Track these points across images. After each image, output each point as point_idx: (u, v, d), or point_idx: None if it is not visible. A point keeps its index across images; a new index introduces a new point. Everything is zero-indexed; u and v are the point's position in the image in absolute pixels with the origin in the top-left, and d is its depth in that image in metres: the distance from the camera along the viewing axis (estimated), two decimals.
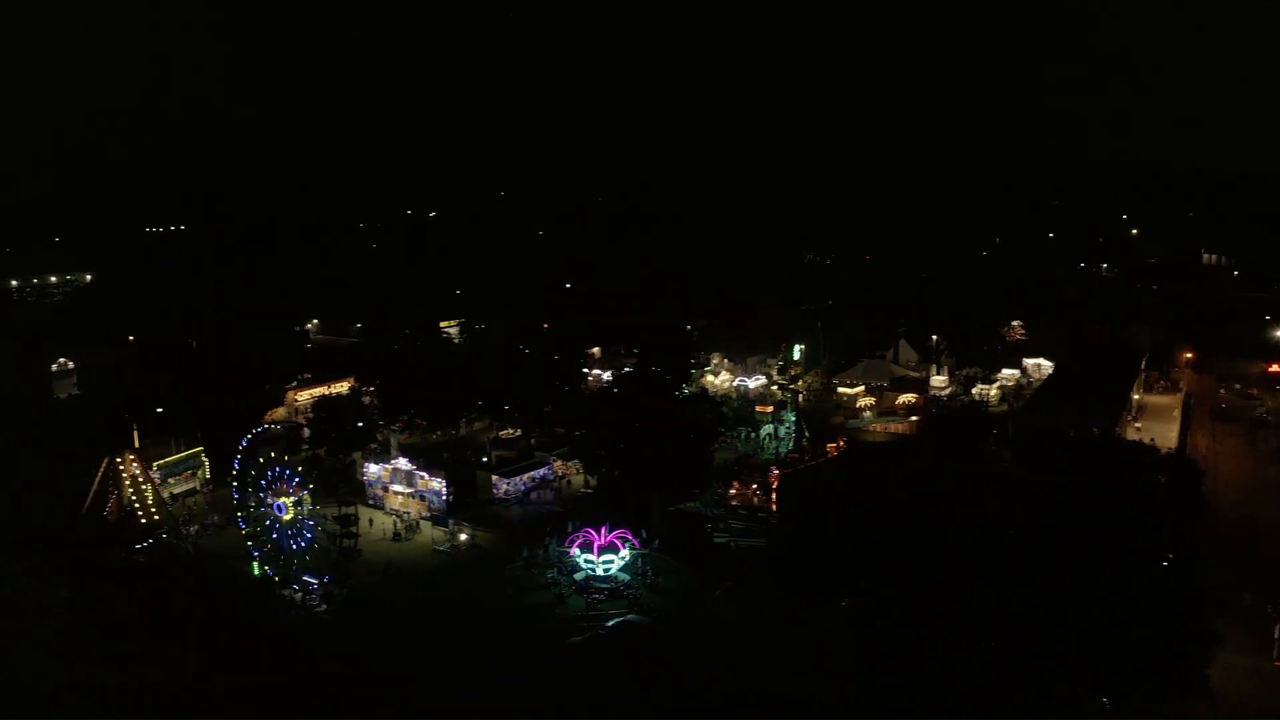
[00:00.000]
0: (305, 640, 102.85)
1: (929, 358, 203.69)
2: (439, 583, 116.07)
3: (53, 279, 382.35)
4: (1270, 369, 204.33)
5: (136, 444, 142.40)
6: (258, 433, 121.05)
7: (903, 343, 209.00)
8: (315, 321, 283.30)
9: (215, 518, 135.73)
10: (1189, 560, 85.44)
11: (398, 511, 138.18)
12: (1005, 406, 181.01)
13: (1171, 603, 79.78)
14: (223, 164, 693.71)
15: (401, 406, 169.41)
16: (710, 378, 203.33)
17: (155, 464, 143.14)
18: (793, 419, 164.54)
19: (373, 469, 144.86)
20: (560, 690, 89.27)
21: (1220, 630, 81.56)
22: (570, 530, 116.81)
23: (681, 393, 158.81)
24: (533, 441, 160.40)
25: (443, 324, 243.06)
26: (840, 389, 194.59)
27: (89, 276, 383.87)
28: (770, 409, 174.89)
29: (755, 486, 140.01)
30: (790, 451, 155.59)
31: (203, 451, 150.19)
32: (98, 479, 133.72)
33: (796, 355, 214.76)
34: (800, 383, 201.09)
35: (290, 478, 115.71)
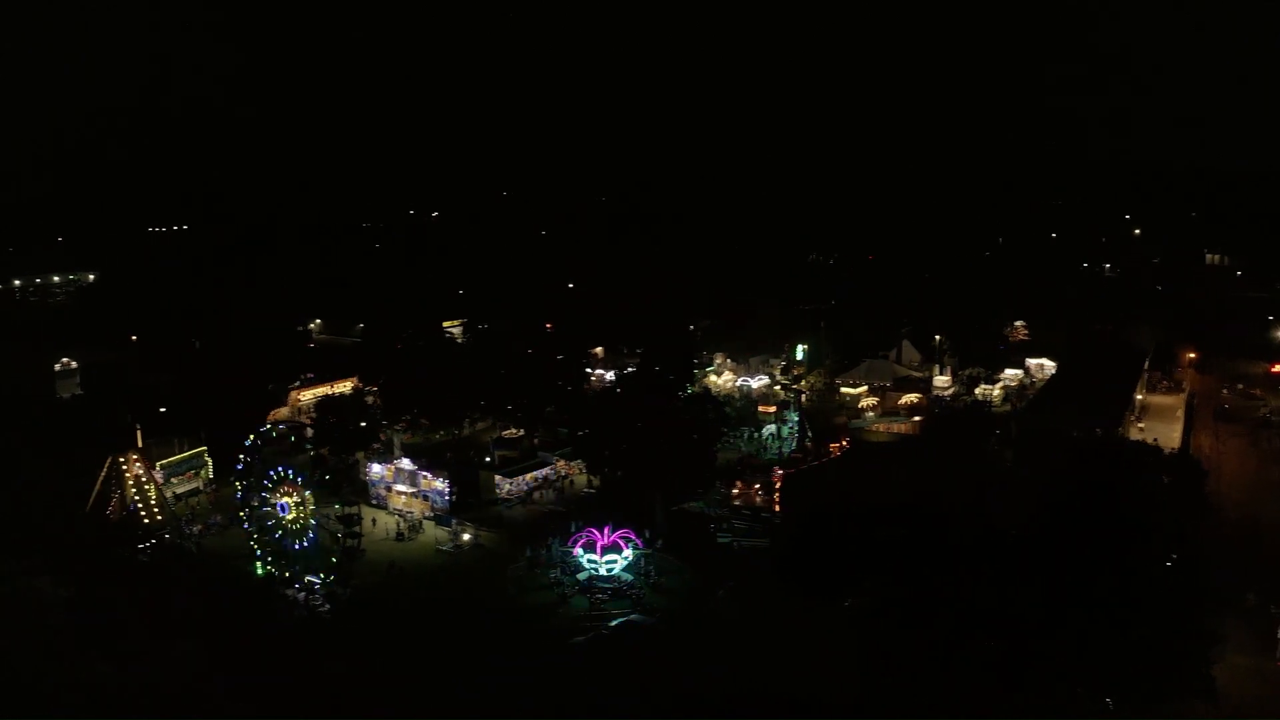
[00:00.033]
0: (308, 640, 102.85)
1: (932, 358, 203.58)
2: (442, 582, 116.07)
3: (55, 279, 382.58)
4: (1273, 369, 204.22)
5: (139, 444, 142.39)
6: (261, 432, 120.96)
7: (906, 343, 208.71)
8: (318, 321, 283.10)
9: (218, 517, 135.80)
10: (1192, 560, 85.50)
11: (401, 511, 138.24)
12: (1008, 406, 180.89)
13: (1174, 602, 79.89)
14: (225, 164, 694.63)
15: (404, 406, 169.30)
16: (713, 378, 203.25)
17: (158, 464, 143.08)
18: (795, 419, 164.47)
19: (376, 469, 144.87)
20: (563, 690, 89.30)
21: (1223, 630, 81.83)
22: (573, 530, 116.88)
23: (684, 393, 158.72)
24: (535, 441, 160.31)
25: (446, 324, 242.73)
26: (843, 389, 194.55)
27: (91, 276, 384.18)
28: (773, 409, 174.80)
29: (758, 486, 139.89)
30: (793, 451, 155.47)
31: (206, 451, 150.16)
32: (100, 479, 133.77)
33: (799, 355, 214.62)
34: (803, 383, 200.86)
35: (293, 478, 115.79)
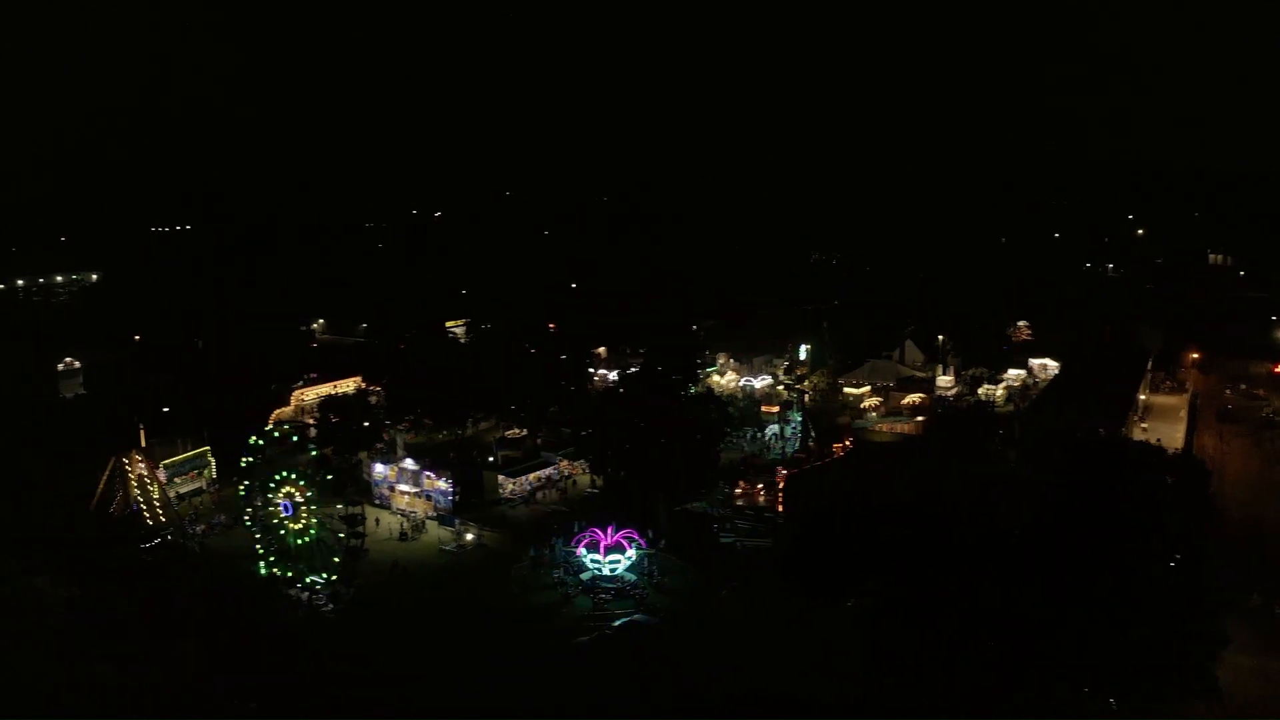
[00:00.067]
0: (311, 640, 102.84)
1: (935, 358, 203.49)
2: (445, 582, 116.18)
3: (58, 278, 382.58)
4: (1276, 369, 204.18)
5: (143, 443, 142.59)
6: (264, 432, 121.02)
7: (909, 343, 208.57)
8: (321, 321, 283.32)
9: (222, 517, 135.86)
10: (1196, 560, 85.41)
11: (404, 511, 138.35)
12: (1011, 407, 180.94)
13: (1178, 603, 79.86)
14: (228, 164, 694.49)
15: (408, 406, 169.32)
16: (716, 378, 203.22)
17: (162, 463, 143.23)
18: (799, 419, 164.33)
19: (379, 468, 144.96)
20: (566, 690, 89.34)
21: (1227, 631, 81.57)
22: (576, 530, 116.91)
23: (687, 393, 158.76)
24: (539, 441, 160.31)
25: (449, 323, 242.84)
26: (846, 389, 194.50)
27: (94, 276, 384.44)
28: (776, 409, 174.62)
29: (761, 486, 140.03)
30: (796, 452, 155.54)
31: (209, 451, 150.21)
32: (104, 479, 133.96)
33: (803, 355, 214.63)
34: (806, 383, 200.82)
35: (297, 478, 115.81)
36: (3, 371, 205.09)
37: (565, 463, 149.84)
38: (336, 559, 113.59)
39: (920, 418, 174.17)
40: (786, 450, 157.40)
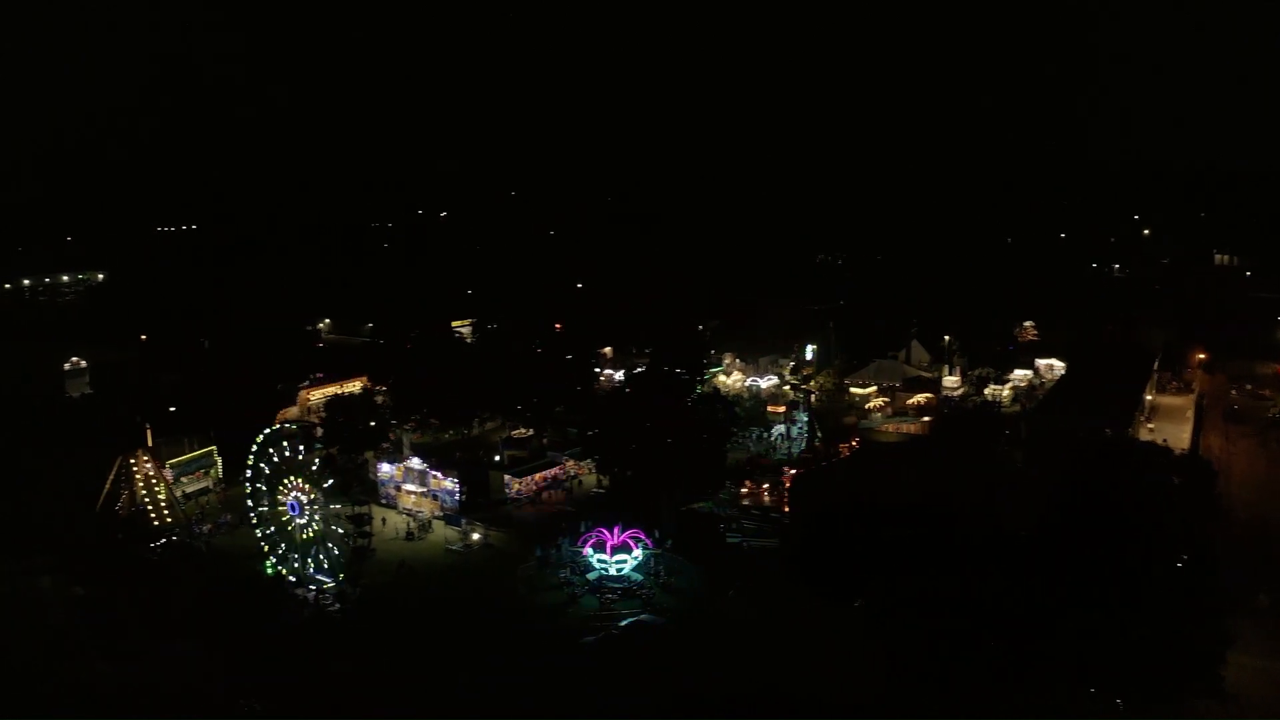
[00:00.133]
0: (318, 639, 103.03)
1: (941, 358, 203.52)
2: (452, 582, 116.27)
3: (64, 278, 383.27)
4: None
5: (149, 443, 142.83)
6: (270, 432, 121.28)
7: (915, 343, 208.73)
8: (327, 321, 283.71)
9: (228, 517, 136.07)
10: (1202, 561, 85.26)
11: (410, 511, 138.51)
12: (1018, 407, 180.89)
13: (1185, 603, 79.77)
14: (233, 164, 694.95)
15: (414, 406, 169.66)
16: (722, 378, 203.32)
17: (168, 463, 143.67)
18: (805, 419, 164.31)
19: (385, 468, 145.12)
20: (573, 690, 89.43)
21: (1233, 631, 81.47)
22: (583, 530, 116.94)
23: (694, 393, 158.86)
24: (545, 441, 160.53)
25: (455, 323, 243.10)
26: (852, 389, 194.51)
27: (101, 276, 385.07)
28: (782, 409, 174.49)
29: (767, 486, 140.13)
30: (802, 452, 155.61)
31: (215, 450, 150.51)
32: (110, 478, 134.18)
33: (809, 355, 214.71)
34: (812, 383, 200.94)
35: (303, 477, 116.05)
36: (9, 371, 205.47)
37: (571, 463, 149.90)
38: (343, 558, 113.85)
39: (926, 418, 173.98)
40: (792, 450, 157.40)
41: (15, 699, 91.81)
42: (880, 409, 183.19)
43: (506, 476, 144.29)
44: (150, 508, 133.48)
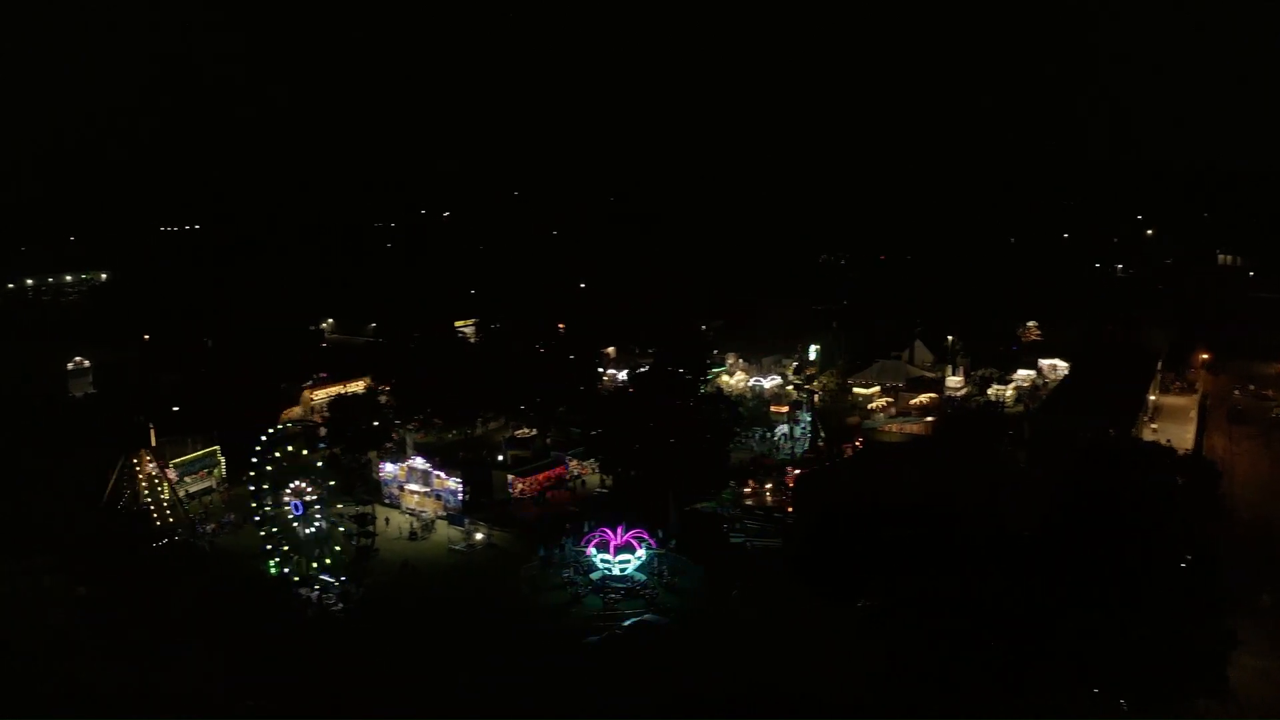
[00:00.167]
0: (321, 639, 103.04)
1: (944, 358, 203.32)
2: (455, 582, 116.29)
3: (68, 278, 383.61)
4: None
5: (152, 442, 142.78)
6: (274, 431, 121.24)
7: (918, 343, 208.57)
8: (330, 320, 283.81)
9: (232, 516, 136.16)
10: (1205, 561, 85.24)
11: (414, 510, 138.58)
12: (1021, 407, 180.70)
13: (1188, 604, 79.74)
14: (232, 164, 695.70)
15: (417, 405, 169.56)
16: (726, 378, 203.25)
17: (171, 462, 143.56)
18: (808, 419, 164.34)
19: (389, 468, 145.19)
20: (576, 690, 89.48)
21: (1236, 632, 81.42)
22: (586, 530, 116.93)
23: (697, 393, 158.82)
24: (548, 441, 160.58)
25: (458, 323, 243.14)
26: (856, 389, 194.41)
27: (104, 275, 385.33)
28: (786, 409, 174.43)
29: (771, 487, 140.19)
30: (806, 452, 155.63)
31: (219, 450, 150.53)
32: (113, 478, 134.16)
33: (812, 356, 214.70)
34: (816, 383, 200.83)
35: (307, 477, 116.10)
36: (12, 371, 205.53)
37: (575, 462, 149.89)
38: (346, 558, 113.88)
39: (930, 418, 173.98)
40: (796, 450, 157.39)
41: (15, 699, 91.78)
42: (883, 409, 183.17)
43: (510, 476, 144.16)
44: (153, 508, 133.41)
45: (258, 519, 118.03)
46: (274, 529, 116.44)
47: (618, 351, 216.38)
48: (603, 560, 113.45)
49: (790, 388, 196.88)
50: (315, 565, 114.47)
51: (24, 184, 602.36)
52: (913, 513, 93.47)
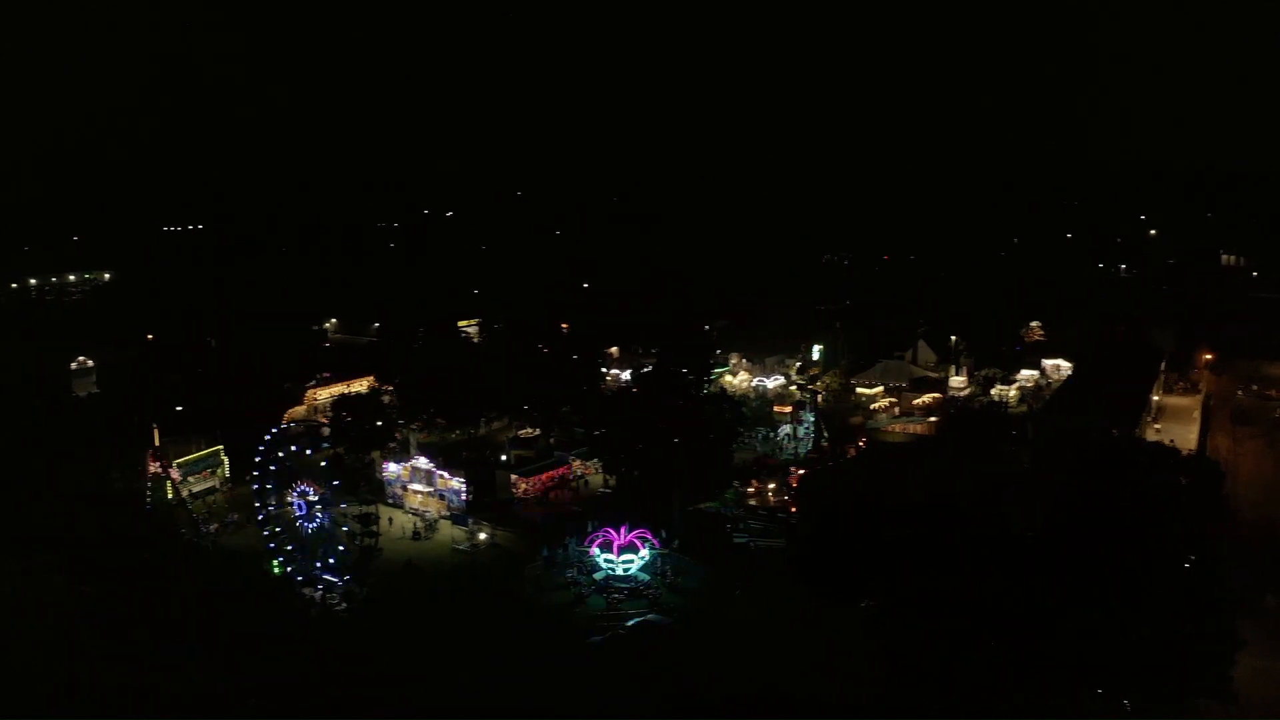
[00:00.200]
0: (324, 639, 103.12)
1: (948, 358, 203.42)
2: (458, 581, 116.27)
3: (71, 278, 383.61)
4: None
5: (156, 442, 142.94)
6: (277, 431, 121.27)
7: (921, 343, 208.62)
8: (334, 320, 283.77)
9: (235, 516, 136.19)
10: (1209, 562, 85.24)
11: (417, 510, 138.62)
12: (1024, 407, 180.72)
13: (1192, 604, 79.75)
14: (232, 164, 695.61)
15: (421, 405, 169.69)
16: (729, 378, 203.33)
17: (175, 462, 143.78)
18: (811, 419, 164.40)
19: (392, 468, 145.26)
20: (579, 689, 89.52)
21: (1239, 632, 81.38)
22: (590, 530, 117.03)
23: (700, 393, 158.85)
24: (552, 441, 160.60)
25: (461, 323, 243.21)
26: (859, 389, 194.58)
27: (107, 275, 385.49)
28: (789, 409, 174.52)
29: (774, 487, 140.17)
30: (809, 452, 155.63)
31: (222, 450, 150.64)
32: (116, 478, 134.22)
33: (815, 356, 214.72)
34: (819, 383, 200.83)
35: (310, 477, 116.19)
36: (15, 371, 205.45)
37: (578, 462, 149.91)
38: (350, 558, 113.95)
39: (933, 418, 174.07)
40: (799, 450, 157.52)
41: (15, 699, 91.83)
42: (887, 409, 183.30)
43: (513, 476, 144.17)
44: (157, 507, 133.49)
45: (261, 518, 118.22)
46: (277, 529, 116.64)
47: (621, 351, 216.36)
48: (606, 560, 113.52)
49: (793, 388, 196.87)
50: (319, 565, 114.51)
51: (25, 184, 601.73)
52: (916, 513, 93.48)
